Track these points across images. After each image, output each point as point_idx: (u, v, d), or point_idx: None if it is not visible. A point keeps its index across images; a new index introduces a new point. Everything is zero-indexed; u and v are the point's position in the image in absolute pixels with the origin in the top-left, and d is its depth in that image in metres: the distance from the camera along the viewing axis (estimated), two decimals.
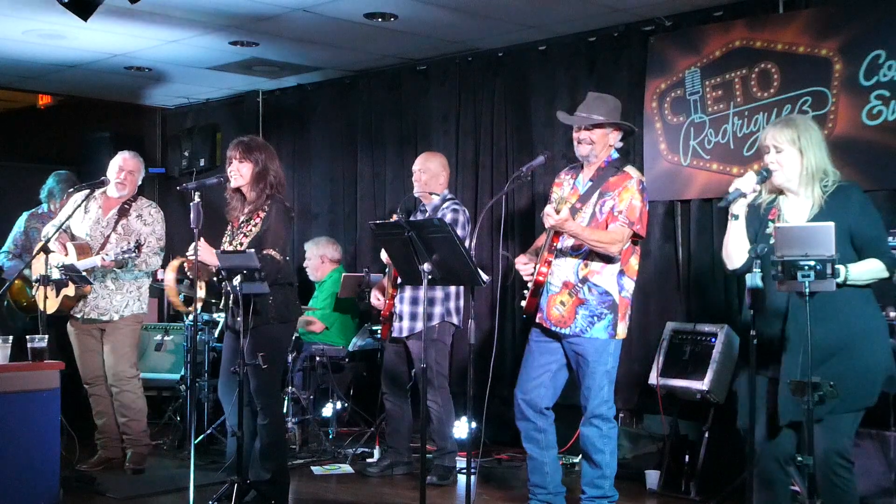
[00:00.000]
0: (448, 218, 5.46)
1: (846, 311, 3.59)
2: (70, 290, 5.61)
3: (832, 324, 3.55)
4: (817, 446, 3.52)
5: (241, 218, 4.83)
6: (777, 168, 3.68)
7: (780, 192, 3.76)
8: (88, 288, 5.63)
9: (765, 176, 3.69)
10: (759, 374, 3.68)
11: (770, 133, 3.71)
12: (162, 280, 6.38)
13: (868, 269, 3.58)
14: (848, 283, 3.53)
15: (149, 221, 5.79)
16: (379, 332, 6.02)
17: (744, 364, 3.69)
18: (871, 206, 3.68)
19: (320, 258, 7.19)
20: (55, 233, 5.49)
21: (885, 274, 3.61)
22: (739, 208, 3.71)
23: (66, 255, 5.60)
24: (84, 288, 5.61)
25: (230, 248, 4.77)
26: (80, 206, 5.69)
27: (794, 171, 3.67)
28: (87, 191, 5.66)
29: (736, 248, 3.74)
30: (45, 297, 5.68)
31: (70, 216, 5.70)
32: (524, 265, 4.64)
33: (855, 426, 3.67)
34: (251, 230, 4.76)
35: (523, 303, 4.66)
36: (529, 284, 4.62)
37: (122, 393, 5.79)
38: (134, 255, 5.43)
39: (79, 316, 5.72)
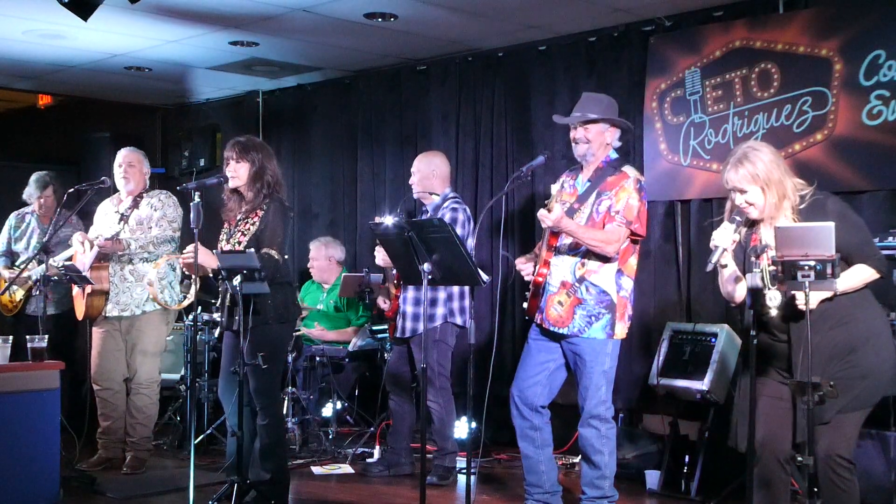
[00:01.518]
0: (447, 217, 5.43)
1: (848, 316, 3.59)
2: (88, 290, 5.58)
3: (836, 331, 3.57)
4: (819, 446, 3.52)
5: (239, 216, 4.82)
6: (748, 207, 3.68)
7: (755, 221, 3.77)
8: (107, 285, 5.60)
9: (739, 221, 3.68)
10: (760, 376, 3.69)
11: (728, 177, 3.70)
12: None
13: (857, 277, 3.59)
14: (839, 294, 3.53)
15: (158, 206, 5.75)
16: (385, 332, 6.02)
17: (745, 368, 3.69)
18: (849, 213, 3.68)
19: (328, 259, 7.16)
20: (51, 237, 5.50)
21: (876, 276, 3.62)
22: (726, 259, 3.71)
23: (84, 252, 5.59)
24: (102, 286, 5.58)
25: (228, 247, 4.77)
26: (77, 208, 5.68)
27: (762, 205, 3.67)
28: (87, 196, 5.66)
29: (734, 288, 3.75)
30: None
31: (68, 219, 5.69)
32: (524, 265, 4.66)
33: (857, 427, 3.67)
34: (249, 228, 4.74)
35: (525, 304, 4.67)
36: (530, 285, 4.63)
37: (139, 395, 5.79)
38: (119, 227, 5.38)
39: (106, 315, 5.69)
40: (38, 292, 5.71)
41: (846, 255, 3.58)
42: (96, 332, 5.77)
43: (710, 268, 3.66)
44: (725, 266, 3.72)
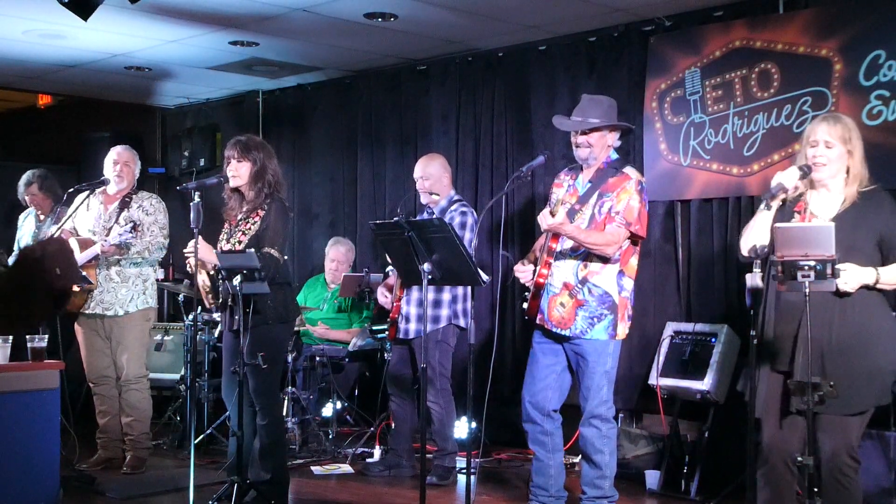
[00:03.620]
0: (457, 221, 5.45)
1: (863, 309, 3.61)
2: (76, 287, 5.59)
3: (849, 320, 3.58)
4: (825, 445, 3.52)
5: (240, 216, 4.83)
6: (825, 163, 3.68)
7: (811, 185, 3.77)
8: (95, 283, 5.62)
9: (806, 172, 3.68)
10: (775, 370, 3.69)
11: (822, 127, 3.70)
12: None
13: None
14: (878, 286, 3.55)
15: (150, 211, 5.77)
16: (385, 332, 6.01)
17: (757, 362, 3.68)
18: None
19: (349, 263, 7.17)
20: (56, 232, 5.49)
21: None
22: (776, 202, 3.71)
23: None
24: (92, 284, 5.60)
25: (228, 247, 4.77)
26: (80, 205, 5.69)
27: (838, 168, 3.69)
28: (87, 191, 5.66)
29: (757, 235, 3.72)
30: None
31: (69, 218, 5.69)
32: (522, 272, 4.66)
33: (863, 426, 3.67)
34: (250, 228, 4.75)
35: (525, 305, 4.67)
36: (530, 286, 4.63)
37: (129, 392, 5.80)
38: (132, 235, 5.41)
39: (86, 312, 5.71)
40: None
41: (886, 252, 3.62)
42: (79, 331, 5.82)
43: (765, 196, 3.65)
44: (770, 209, 3.70)
